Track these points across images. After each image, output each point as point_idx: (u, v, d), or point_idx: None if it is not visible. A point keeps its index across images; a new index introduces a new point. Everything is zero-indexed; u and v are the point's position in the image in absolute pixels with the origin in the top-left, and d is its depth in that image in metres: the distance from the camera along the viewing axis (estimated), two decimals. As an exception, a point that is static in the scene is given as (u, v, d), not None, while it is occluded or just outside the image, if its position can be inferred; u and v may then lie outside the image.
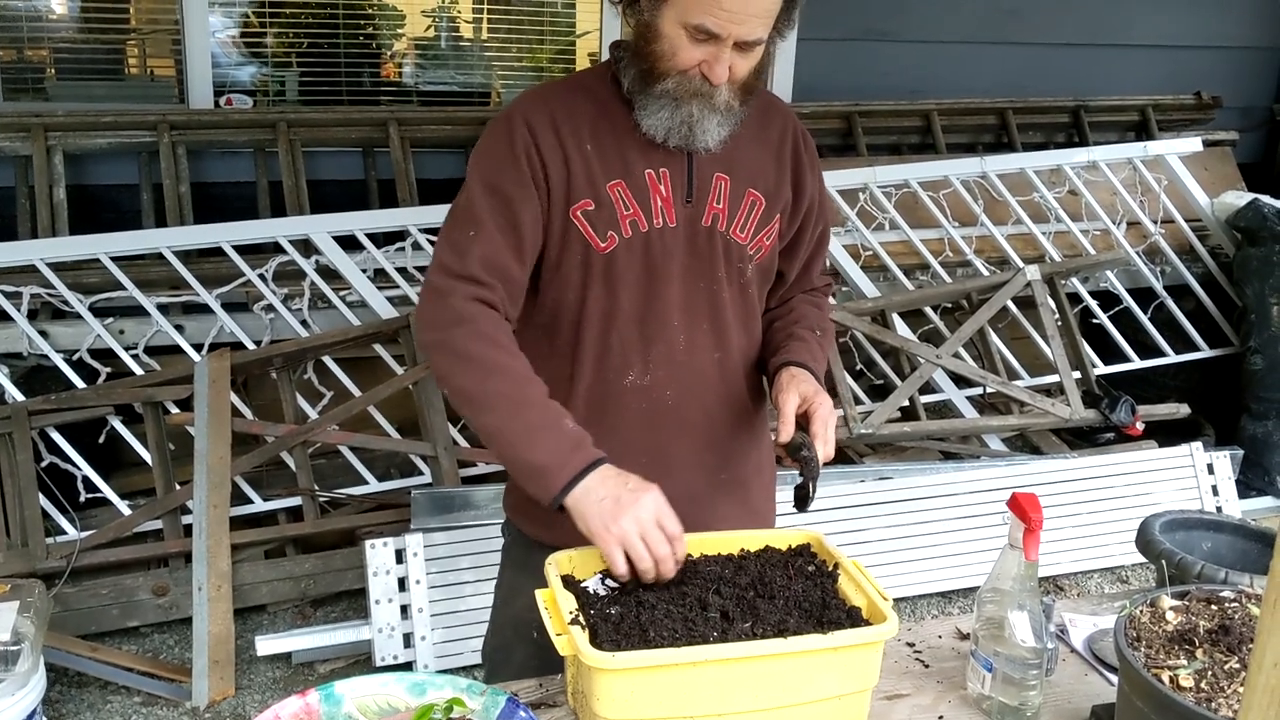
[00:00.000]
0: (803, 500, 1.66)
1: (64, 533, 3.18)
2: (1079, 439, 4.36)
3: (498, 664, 1.79)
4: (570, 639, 1.38)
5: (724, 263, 1.69)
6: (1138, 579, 3.75)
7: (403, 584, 3.04)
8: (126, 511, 3.21)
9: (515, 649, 1.72)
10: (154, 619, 3.14)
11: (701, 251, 1.68)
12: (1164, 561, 1.68)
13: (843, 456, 4.01)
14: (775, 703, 1.40)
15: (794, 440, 1.63)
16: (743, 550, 1.64)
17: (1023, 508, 1.52)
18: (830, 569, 1.59)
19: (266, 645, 2.95)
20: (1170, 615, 1.32)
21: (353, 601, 3.39)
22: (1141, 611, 1.33)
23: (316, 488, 3.32)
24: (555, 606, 1.46)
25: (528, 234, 1.62)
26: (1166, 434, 4.20)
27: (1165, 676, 1.18)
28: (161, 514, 3.15)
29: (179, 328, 3.50)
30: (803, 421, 1.64)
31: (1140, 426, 4.07)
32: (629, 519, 1.45)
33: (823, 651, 1.39)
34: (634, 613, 1.46)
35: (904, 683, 1.65)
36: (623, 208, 1.63)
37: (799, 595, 1.52)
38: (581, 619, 1.43)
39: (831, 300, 1.92)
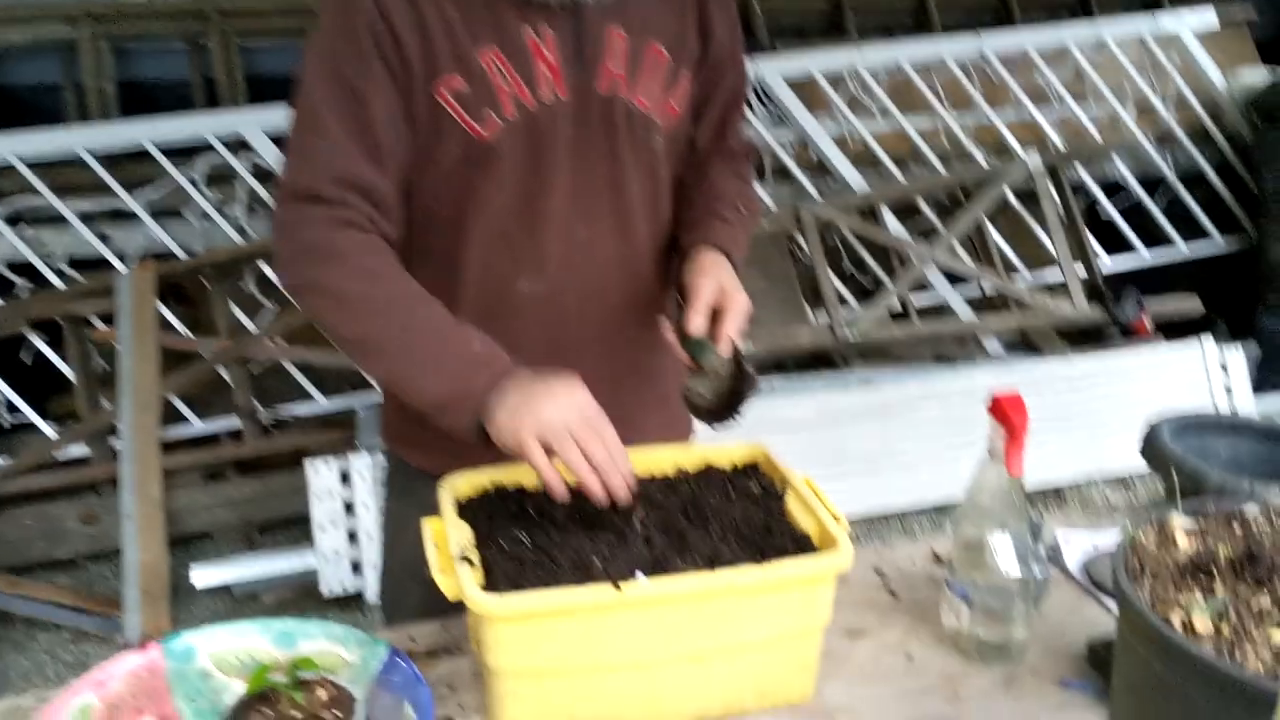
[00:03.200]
0: (717, 413, 1.41)
1: (-14, 461, 2.96)
2: (1082, 339, 4.10)
3: (393, 608, 1.56)
4: (454, 579, 1.14)
5: (626, 139, 1.41)
6: (1144, 485, 3.51)
7: (350, 508, 2.82)
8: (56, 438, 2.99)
9: (410, 590, 1.49)
10: (85, 549, 2.94)
11: (598, 128, 1.39)
12: (1173, 470, 1.43)
13: (827, 362, 3.76)
14: (705, 647, 1.17)
15: (696, 340, 1.38)
16: (679, 470, 1.40)
17: (1004, 411, 1.26)
18: (778, 489, 1.34)
19: (202, 576, 2.75)
20: (1182, 539, 1.07)
21: (305, 528, 3.17)
22: (1146, 534, 1.08)
23: (258, 407, 3.09)
24: (444, 540, 1.22)
25: (383, 133, 1.32)
26: (1177, 332, 3.93)
27: (1176, 618, 0.94)
28: (86, 437, 2.92)
29: (104, 237, 3.23)
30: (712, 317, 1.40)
31: (1148, 323, 3.81)
32: (548, 411, 1.22)
33: (760, 587, 1.16)
34: (542, 545, 1.22)
35: (868, 616, 1.41)
36: (500, 80, 1.34)
37: (738, 520, 1.28)
38: (473, 556, 1.19)
39: (756, 184, 1.64)
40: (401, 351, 1.30)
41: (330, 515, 2.79)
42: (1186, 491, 1.36)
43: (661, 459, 1.40)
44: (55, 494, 2.94)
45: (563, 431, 1.22)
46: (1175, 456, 1.45)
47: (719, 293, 1.38)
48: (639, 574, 1.18)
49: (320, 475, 2.79)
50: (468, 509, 1.30)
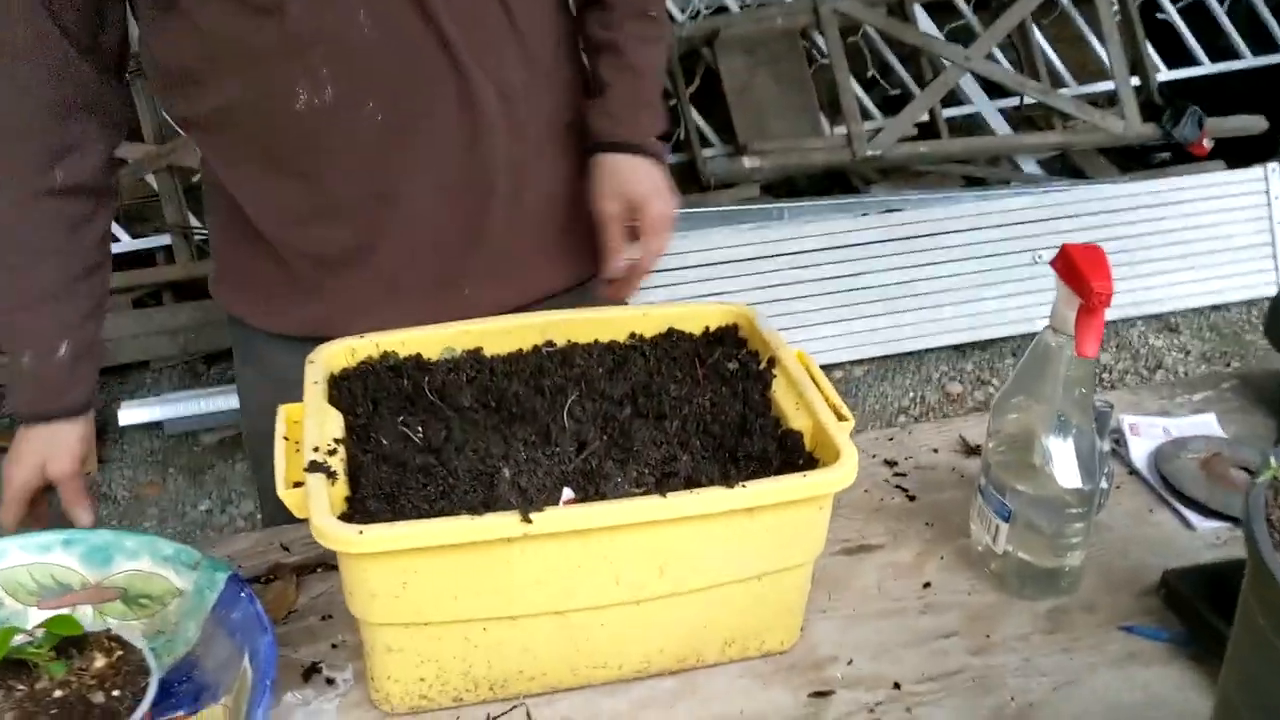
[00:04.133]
0: None
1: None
2: (1130, 161, 3.66)
3: (270, 504, 1.25)
4: (300, 494, 0.82)
5: None
6: (1189, 328, 3.16)
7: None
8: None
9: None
10: (3, 378, 2.63)
11: None
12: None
13: (844, 184, 3.35)
14: (650, 591, 0.85)
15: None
16: (634, 336, 1.05)
17: (1079, 270, 0.90)
18: (762, 367, 1.00)
19: (129, 414, 2.45)
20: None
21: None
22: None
23: (193, 222, 2.72)
24: (299, 435, 0.88)
25: None
26: (1237, 155, 3.49)
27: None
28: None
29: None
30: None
31: (1208, 144, 3.38)
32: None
33: (727, 517, 0.83)
34: (435, 444, 0.90)
35: (875, 525, 1.10)
36: None
37: (706, 412, 0.95)
38: (335, 461, 0.86)
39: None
40: None
41: (272, 349, 2.47)
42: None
43: (608, 322, 1.05)
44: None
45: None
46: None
47: (631, 209, 1.15)
48: (565, 492, 0.85)
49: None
50: (344, 388, 0.97)
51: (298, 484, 0.84)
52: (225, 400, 2.51)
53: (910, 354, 3.00)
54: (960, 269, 2.94)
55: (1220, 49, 3.90)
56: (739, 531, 0.84)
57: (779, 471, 0.89)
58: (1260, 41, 3.93)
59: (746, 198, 3.13)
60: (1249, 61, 3.91)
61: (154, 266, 2.74)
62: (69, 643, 0.76)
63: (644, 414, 0.94)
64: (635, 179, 1.15)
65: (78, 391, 1.08)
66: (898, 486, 1.16)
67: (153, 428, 2.60)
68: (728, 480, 0.84)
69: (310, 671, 0.92)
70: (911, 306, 2.95)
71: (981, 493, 1.02)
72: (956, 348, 3.03)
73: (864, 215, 2.92)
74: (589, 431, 0.92)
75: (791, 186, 3.44)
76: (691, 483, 0.86)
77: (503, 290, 1.16)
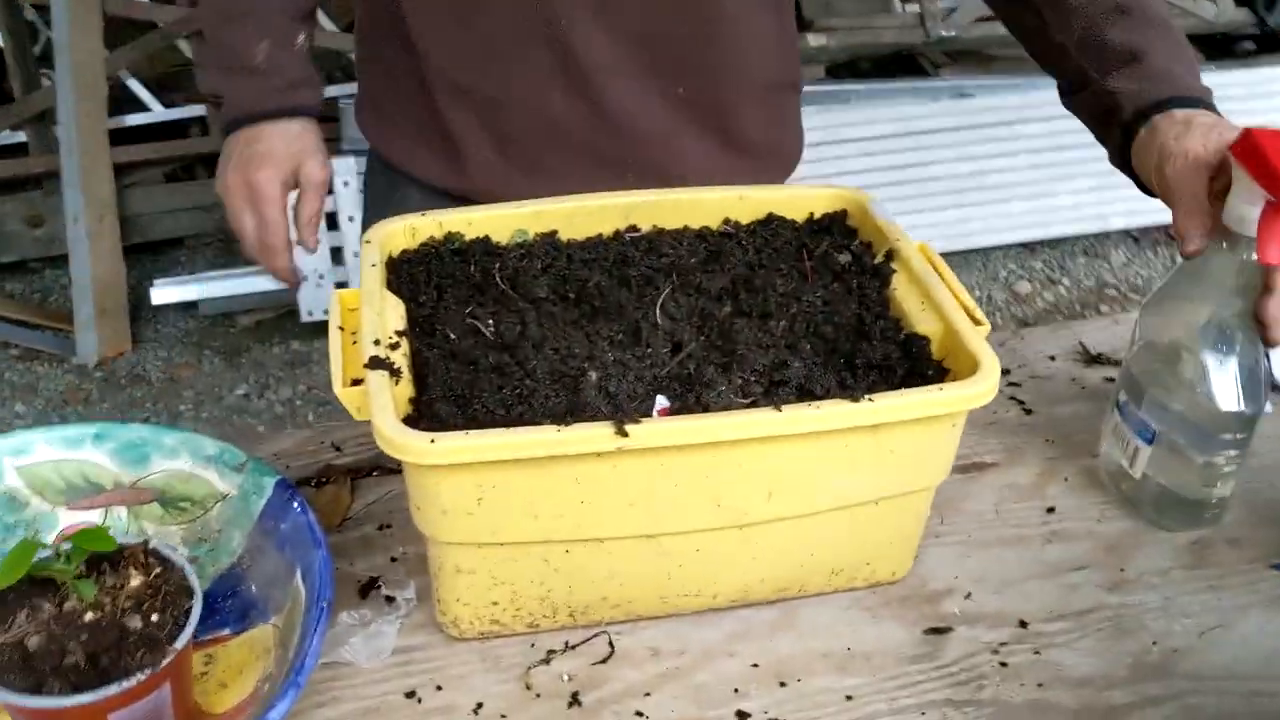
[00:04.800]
0: None
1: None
2: (1217, 51, 3.43)
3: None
4: (362, 395, 0.71)
5: None
6: None
7: (333, 221, 2.38)
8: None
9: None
10: (34, 253, 2.54)
11: None
12: None
13: (913, 66, 3.15)
14: (755, 515, 0.75)
15: None
16: (728, 222, 0.93)
17: (1268, 159, 0.76)
18: (879, 261, 0.88)
19: (162, 293, 2.36)
20: None
21: (293, 236, 2.76)
22: None
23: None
24: (356, 327, 0.77)
25: None
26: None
27: None
28: (22, 122, 2.46)
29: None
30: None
31: (1307, 32, 3.15)
32: (234, 174, 0.99)
33: (849, 434, 0.72)
34: (510, 341, 0.78)
35: (989, 441, 0.99)
36: None
37: (817, 311, 0.83)
38: (399, 357, 0.75)
39: None
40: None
41: (310, 229, 2.35)
42: None
43: (699, 205, 0.92)
44: (-5, 188, 2.52)
45: (236, 202, 0.99)
46: None
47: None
48: (659, 400, 0.74)
49: (297, 181, 2.33)
50: (405, 273, 0.85)
51: (356, 381, 0.74)
52: (263, 280, 2.41)
53: (977, 250, 2.85)
54: (1033, 160, 2.76)
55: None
56: (861, 451, 0.73)
57: (904, 382, 0.77)
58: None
59: (811, 79, 2.94)
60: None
61: (186, 139, 2.61)
62: (101, 557, 0.66)
63: (746, 312, 0.82)
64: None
65: (316, 88, 1.04)
66: (1011, 398, 1.04)
67: (188, 307, 2.51)
68: (848, 392, 0.73)
69: (368, 588, 0.82)
70: (980, 200, 2.78)
71: (1120, 409, 0.90)
72: (1025, 245, 2.88)
73: (935, 101, 2.74)
74: (684, 331, 0.80)
75: (854, 69, 3.24)
76: (805, 393, 0.74)
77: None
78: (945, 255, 2.90)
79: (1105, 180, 2.80)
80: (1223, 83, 2.98)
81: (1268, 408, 0.86)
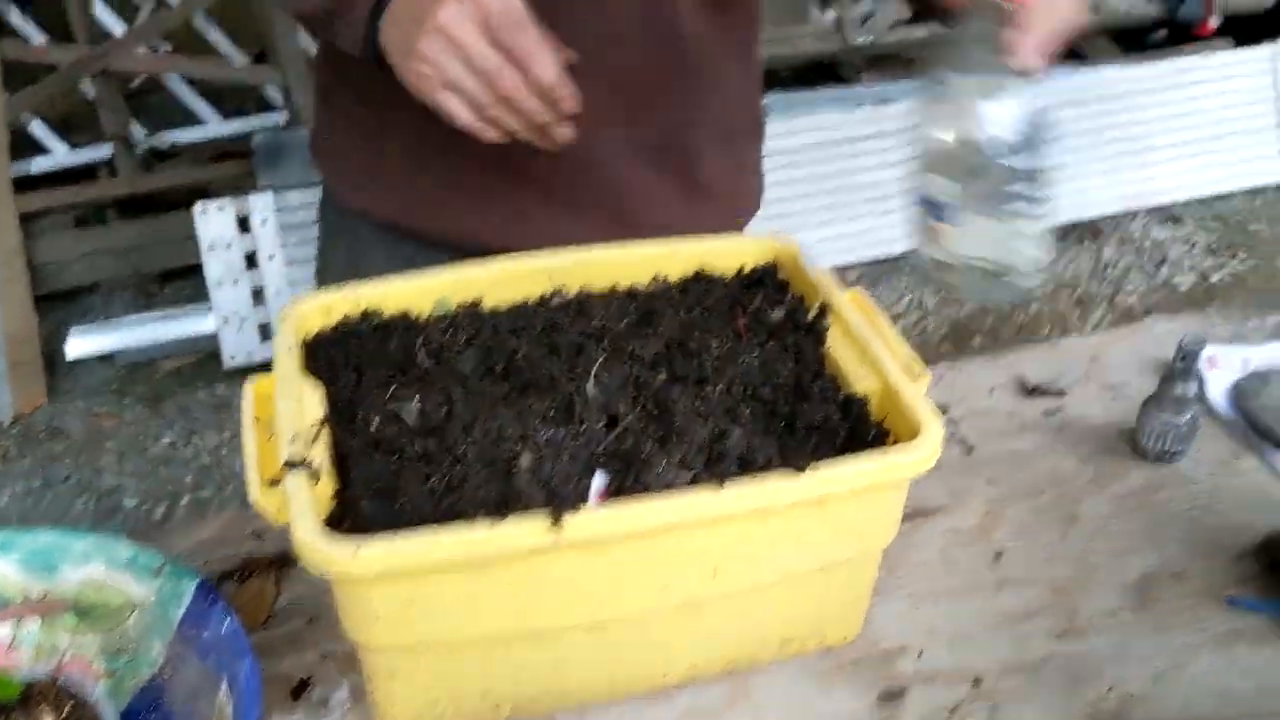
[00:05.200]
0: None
1: None
2: (1129, 43, 3.49)
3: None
4: (278, 496, 0.67)
5: None
6: (1192, 217, 3.04)
7: (252, 260, 2.31)
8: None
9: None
10: (-61, 309, 2.43)
11: None
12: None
13: (831, 74, 3.16)
14: (701, 594, 0.72)
15: None
16: (657, 279, 0.90)
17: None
18: (813, 315, 0.86)
19: (77, 345, 2.27)
20: None
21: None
22: None
23: (135, 132, 2.50)
24: (272, 419, 0.73)
25: None
26: (1244, 35, 3.32)
27: None
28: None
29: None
30: None
31: (1214, 23, 3.20)
32: (443, 14, 0.74)
33: (794, 508, 0.70)
34: (437, 425, 0.75)
35: (932, 485, 0.97)
36: None
37: (754, 373, 0.80)
38: (318, 452, 0.71)
39: None
40: None
41: (228, 270, 2.28)
42: None
43: (630, 262, 0.90)
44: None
45: (459, 35, 0.74)
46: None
47: None
48: (596, 478, 0.71)
49: (211, 221, 2.26)
50: (323, 355, 0.81)
51: (274, 482, 0.70)
52: (181, 326, 2.33)
53: (904, 256, 2.86)
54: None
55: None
56: (806, 522, 0.71)
57: (846, 444, 0.75)
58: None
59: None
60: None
61: (95, 181, 2.52)
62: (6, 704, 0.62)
63: (682, 378, 0.80)
64: None
65: None
66: (952, 435, 1.03)
67: (104, 359, 2.42)
68: (790, 460, 0.71)
69: (300, 690, 0.78)
70: (904, 207, 2.79)
71: (916, 202, 0.86)
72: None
73: (858, 108, 2.74)
74: (619, 402, 0.77)
75: (772, 79, 3.23)
76: (747, 464, 0.72)
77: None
78: (872, 263, 2.90)
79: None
80: (1135, 75, 3.03)
81: (1049, 164, 0.81)
